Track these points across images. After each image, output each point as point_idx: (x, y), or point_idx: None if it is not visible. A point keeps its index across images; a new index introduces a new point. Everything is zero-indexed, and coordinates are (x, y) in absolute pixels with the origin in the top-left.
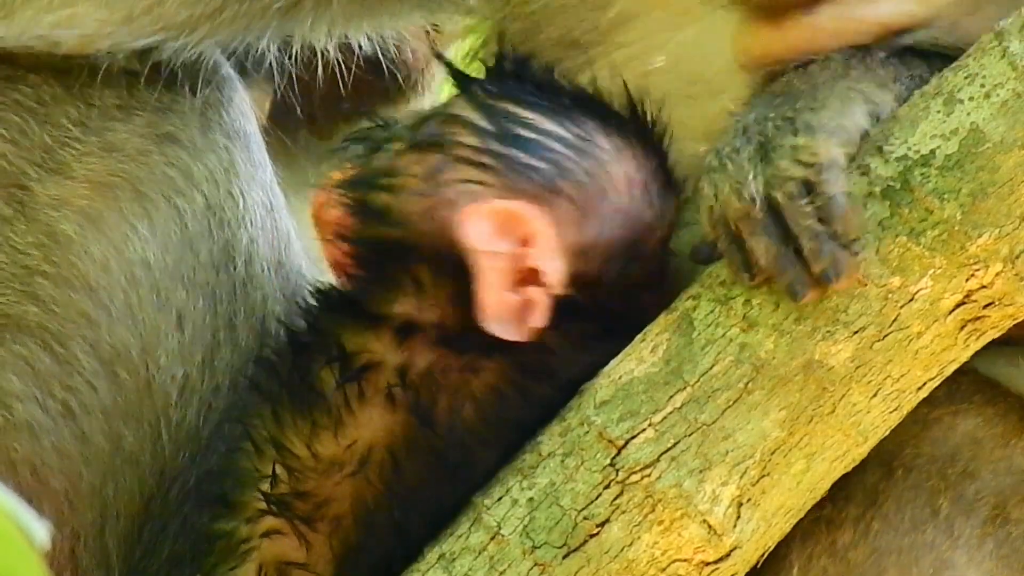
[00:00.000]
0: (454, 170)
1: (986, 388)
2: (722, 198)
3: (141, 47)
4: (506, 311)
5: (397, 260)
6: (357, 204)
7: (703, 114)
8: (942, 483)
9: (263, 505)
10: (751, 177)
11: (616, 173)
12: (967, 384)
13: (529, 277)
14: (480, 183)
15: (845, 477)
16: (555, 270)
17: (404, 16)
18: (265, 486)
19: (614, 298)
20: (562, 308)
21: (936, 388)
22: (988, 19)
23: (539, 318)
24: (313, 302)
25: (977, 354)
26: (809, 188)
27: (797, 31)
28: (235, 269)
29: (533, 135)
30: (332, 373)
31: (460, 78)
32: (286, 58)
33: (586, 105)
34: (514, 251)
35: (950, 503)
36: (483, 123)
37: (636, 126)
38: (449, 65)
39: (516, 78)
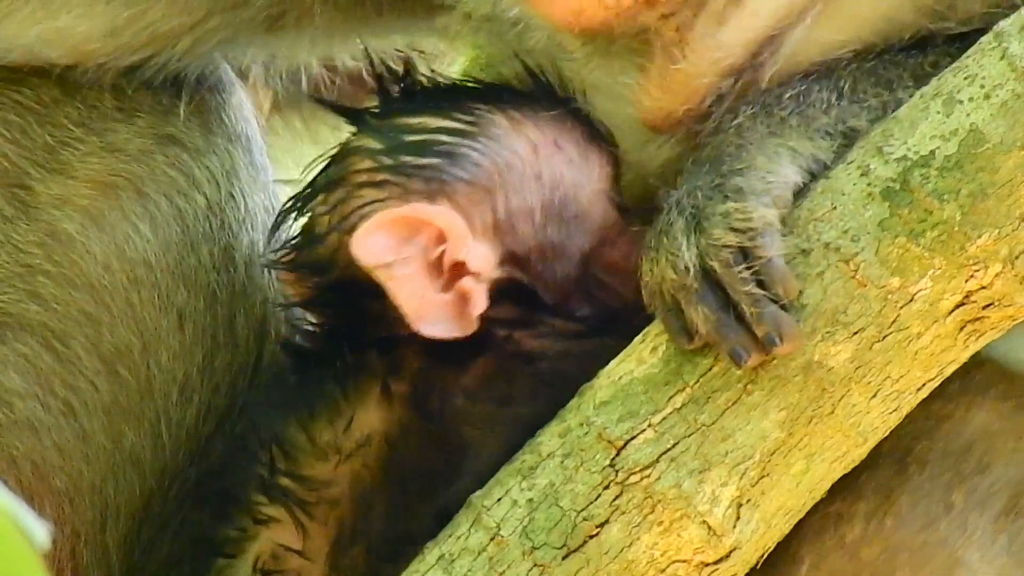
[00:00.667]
0: (355, 198)
1: (1000, 382)
2: (657, 271)
3: (128, 64)
4: (438, 311)
5: (350, 299)
6: (299, 264)
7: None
8: (956, 477)
9: (262, 495)
10: (684, 248)
11: (518, 141)
12: (980, 377)
13: (456, 271)
14: (378, 200)
15: (858, 472)
16: (478, 256)
17: (386, 36)
18: (264, 472)
19: (571, 268)
20: (513, 290)
21: (949, 382)
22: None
23: (477, 306)
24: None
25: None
26: (745, 254)
27: (683, 80)
28: (235, 271)
29: (420, 136)
30: (333, 368)
31: (347, 113)
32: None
33: (478, 92)
34: (426, 252)
35: (964, 497)
36: (373, 144)
37: (540, 93)
38: (334, 105)
39: (404, 92)
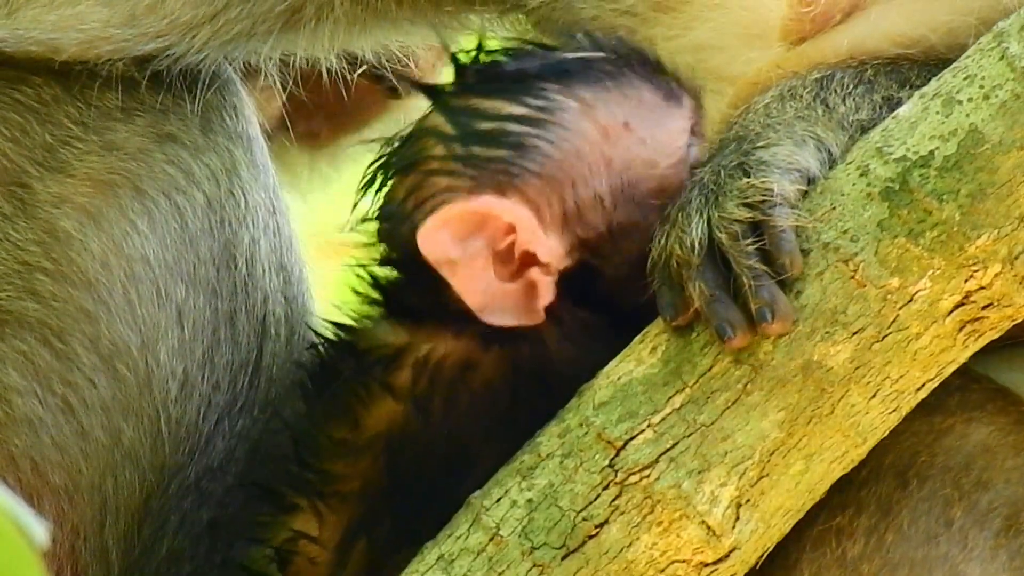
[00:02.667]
0: (428, 185)
1: (998, 397)
2: (666, 245)
3: (143, 53)
4: (504, 301)
5: (416, 277)
6: (377, 236)
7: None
8: (956, 493)
9: (289, 486)
10: (695, 225)
11: (587, 127)
12: (979, 392)
13: (527, 261)
14: (450, 190)
15: (858, 487)
16: (547, 248)
17: (406, 29)
18: (292, 466)
19: (646, 248)
20: (581, 276)
21: (948, 397)
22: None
23: (545, 297)
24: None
25: (987, 361)
26: (756, 228)
27: None
28: (236, 268)
29: (491, 124)
30: (347, 367)
31: (426, 90)
32: (288, 71)
33: (551, 70)
34: (493, 243)
35: (964, 513)
36: (447, 129)
37: (611, 64)
38: (414, 82)
39: (478, 70)
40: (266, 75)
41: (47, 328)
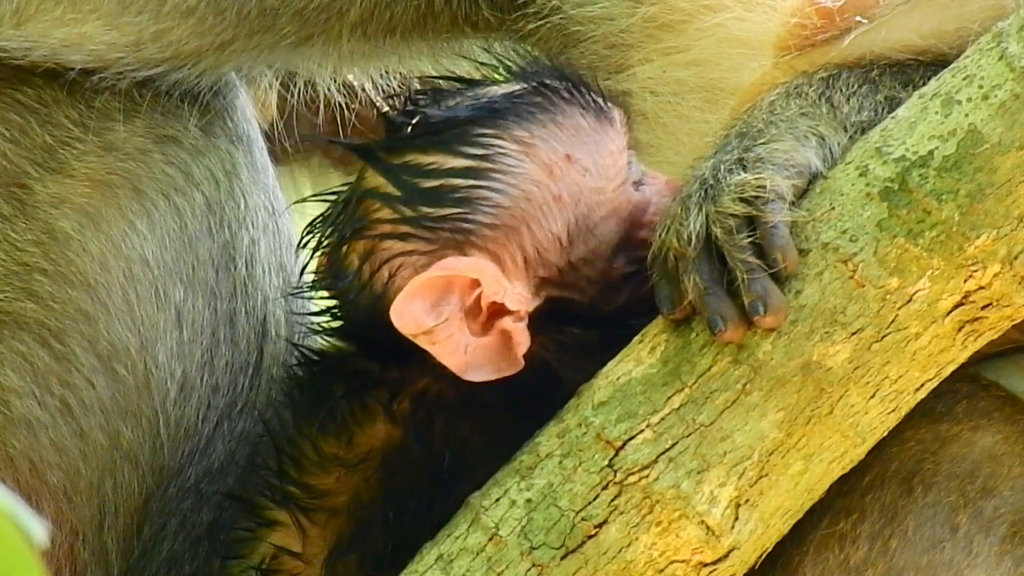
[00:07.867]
0: (382, 250)
1: (1006, 405)
2: (665, 238)
3: (144, 76)
4: (482, 356)
5: (386, 339)
6: (334, 302)
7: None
8: (961, 500)
9: (269, 499)
10: (692, 218)
11: (531, 168)
12: (987, 400)
13: (496, 311)
14: (407, 254)
15: (862, 493)
16: (513, 296)
17: (409, 59)
18: (273, 479)
19: (607, 264)
20: (553, 311)
21: (955, 404)
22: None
23: (521, 344)
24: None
25: (998, 368)
26: (751, 223)
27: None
28: (235, 269)
29: (435, 181)
30: (341, 386)
31: (359, 150)
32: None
33: (481, 113)
34: (462, 302)
35: (969, 520)
36: (390, 190)
37: (538, 95)
38: (343, 143)
39: (412, 122)
40: (265, 86)
41: (46, 329)
